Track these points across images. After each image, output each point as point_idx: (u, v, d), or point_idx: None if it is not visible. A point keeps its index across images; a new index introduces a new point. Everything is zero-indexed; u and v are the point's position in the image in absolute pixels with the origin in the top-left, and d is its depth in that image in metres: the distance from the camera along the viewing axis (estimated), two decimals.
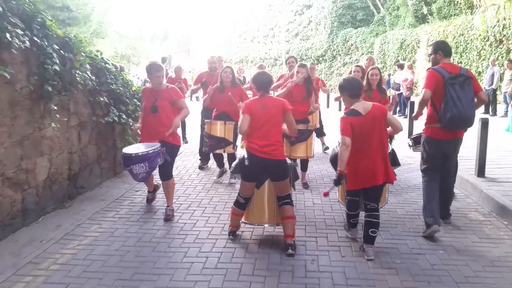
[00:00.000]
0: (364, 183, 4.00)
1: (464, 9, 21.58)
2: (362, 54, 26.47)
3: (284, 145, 5.28)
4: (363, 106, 3.97)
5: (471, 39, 18.33)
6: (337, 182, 3.99)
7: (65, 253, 4.10)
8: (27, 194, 4.74)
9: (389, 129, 4.14)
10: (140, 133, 5.19)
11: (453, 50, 19.04)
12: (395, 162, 4.87)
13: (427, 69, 4.51)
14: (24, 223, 4.70)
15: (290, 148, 6.07)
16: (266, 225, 4.49)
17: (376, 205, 4.07)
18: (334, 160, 4.50)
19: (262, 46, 38.71)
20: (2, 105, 4.28)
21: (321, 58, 29.79)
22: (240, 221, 4.45)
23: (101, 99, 5.93)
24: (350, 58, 28.24)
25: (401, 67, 15.32)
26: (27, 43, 4.27)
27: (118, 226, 4.78)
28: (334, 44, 29.69)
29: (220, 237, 4.44)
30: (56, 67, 4.68)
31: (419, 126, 4.94)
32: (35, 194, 4.89)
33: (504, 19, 16.03)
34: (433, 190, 4.56)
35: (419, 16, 24.62)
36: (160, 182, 5.30)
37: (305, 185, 6.34)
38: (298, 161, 6.55)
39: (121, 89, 6.33)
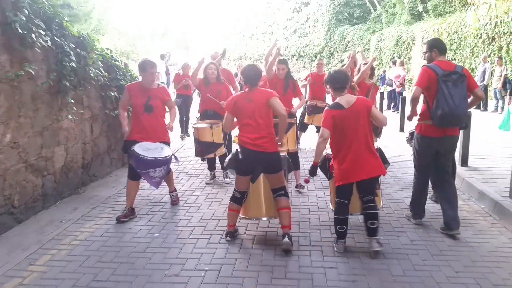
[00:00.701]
0: (350, 178, 3.99)
1: (458, 6, 22.02)
2: (359, 51, 26.89)
3: None
4: (346, 99, 3.97)
5: (464, 37, 18.78)
6: (312, 173, 4.15)
7: (83, 231, 4.58)
8: (46, 180, 5.21)
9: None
10: (129, 132, 5.06)
11: (447, 47, 19.58)
12: (384, 161, 4.72)
13: (422, 67, 4.46)
14: (44, 206, 5.17)
15: None
16: (264, 219, 4.53)
17: (372, 197, 4.06)
18: (322, 164, 4.39)
19: (261, 43, 39.07)
20: (25, 99, 4.75)
21: (318, 55, 30.17)
22: (238, 218, 4.45)
23: (112, 93, 6.40)
24: (347, 55, 28.69)
25: (395, 63, 15.81)
26: (49, 43, 4.74)
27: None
28: (332, 41, 30.11)
29: (223, 218, 4.87)
30: (73, 64, 5.15)
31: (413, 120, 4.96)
32: (53, 180, 5.36)
33: (496, 17, 16.52)
34: (423, 186, 4.69)
35: (415, 13, 25.05)
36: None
37: (301, 187, 6.05)
38: None
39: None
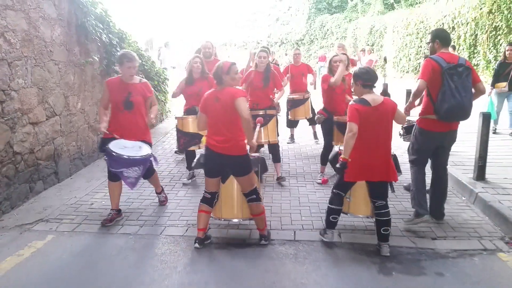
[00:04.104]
0: (361, 176, 3.93)
1: None
2: (337, 38, 28.99)
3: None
4: (373, 97, 3.81)
5: (429, 26, 20.98)
6: (340, 170, 3.91)
7: None
8: (99, 138, 7.17)
9: None
10: (108, 130, 4.61)
11: (413, 36, 21.82)
12: (397, 169, 4.33)
13: (424, 58, 4.33)
14: (98, 157, 7.15)
15: None
16: (235, 220, 4.37)
17: (384, 202, 3.95)
18: (334, 160, 4.27)
19: (245, 30, 40.83)
20: (88, 78, 6.69)
21: (300, 42, 32.18)
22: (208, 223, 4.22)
23: (140, 75, 8.31)
24: (326, 42, 30.74)
25: (364, 51, 17.96)
26: (107, 39, 6.67)
27: (165, 154, 7.30)
28: (312, 29, 32.11)
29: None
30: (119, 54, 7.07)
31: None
32: None
33: (455, 9, 18.73)
34: (422, 181, 4.47)
35: (388, 3, 27.19)
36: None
37: (281, 179, 5.91)
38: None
39: (151, 69, 8.73)
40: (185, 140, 5.85)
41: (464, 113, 4.13)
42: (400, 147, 6.78)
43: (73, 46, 6.20)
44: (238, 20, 42.11)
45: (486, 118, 5.49)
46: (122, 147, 4.37)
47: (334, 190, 4.07)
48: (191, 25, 48.20)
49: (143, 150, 4.45)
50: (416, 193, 4.46)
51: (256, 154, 4.34)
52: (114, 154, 4.24)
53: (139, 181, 4.72)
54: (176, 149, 7.17)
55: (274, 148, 5.99)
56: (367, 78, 3.86)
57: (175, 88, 6.14)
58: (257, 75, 5.92)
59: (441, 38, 4.28)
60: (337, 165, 3.91)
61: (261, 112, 5.65)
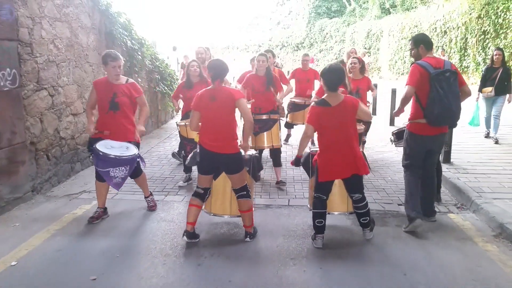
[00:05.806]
0: (332, 175, 4.02)
1: (420, 4, 25.34)
2: (336, 42, 30.17)
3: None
4: (334, 97, 3.87)
5: (423, 30, 22.08)
6: (295, 164, 4.20)
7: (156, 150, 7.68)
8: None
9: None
10: (94, 131, 4.64)
11: (408, 39, 22.86)
12: None
13: (411, 64, 4.33)
14: None
15: (254, 138, 5.83)
16: (226, 216, 4.53)
17: (361, 195, 4.09)
18: (305, 162, 4.42)
19: (247, 33, 42.02)
20: None
21: (300, 45, 33.38)
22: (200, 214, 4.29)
23: (156, 76, 9.48)
24: (325, 46, 31.94)
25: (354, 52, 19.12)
26: (131, 44, 7.82)
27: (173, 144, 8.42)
28: (312, 33, 33.33)
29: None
30: (140, 57, 8.21)
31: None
32: None
33: (447, 14, 19.82)
34: (415, 185, 4.52)
35: (386, 8, 28.33)
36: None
37: (281, 184, 5.99)
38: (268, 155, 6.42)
39: (165, 70, 9.87)
40: (191, 147, 5.85)
41: (453, 118, 4.24)
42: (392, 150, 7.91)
43: (103, 50, 7.27)
44: (240, 24, 43.30)
45: None
46: (109, 147, 4.45)
47: (315, 195, 4.15)
48: (195, 29, 49.33)
49: (130, 150, 4.53)
50: (409, 197, 4.54)
51: (249, 153, 4.46)
52: (100, 153, 4.32)
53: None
54: (173, 152, 7.43)
55: (276, 153, 6.02)
56: (330, 80, 3.89)
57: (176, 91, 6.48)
58: (258, 79, 5.95)
59: (425, 42, 4.35)
60: (293, 159, 4.21)
61: (264, 117, 5.79)
